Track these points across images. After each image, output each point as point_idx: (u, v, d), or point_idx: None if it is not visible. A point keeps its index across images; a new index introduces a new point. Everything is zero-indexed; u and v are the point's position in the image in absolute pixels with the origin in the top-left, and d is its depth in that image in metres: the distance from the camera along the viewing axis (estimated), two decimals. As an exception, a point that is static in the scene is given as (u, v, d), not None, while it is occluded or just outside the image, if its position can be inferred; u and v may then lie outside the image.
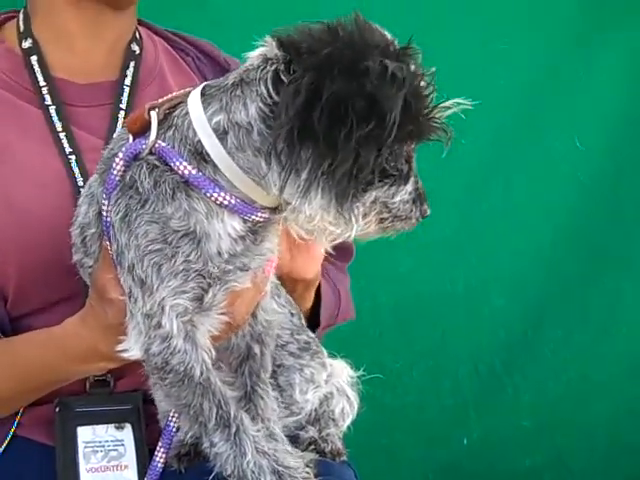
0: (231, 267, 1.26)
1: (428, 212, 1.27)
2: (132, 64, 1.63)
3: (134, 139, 1.25)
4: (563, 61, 2.70)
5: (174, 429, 1.38)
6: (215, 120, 1.19)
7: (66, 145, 1.54)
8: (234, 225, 1.23)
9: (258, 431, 1.30)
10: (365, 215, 1.20)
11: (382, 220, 1.23)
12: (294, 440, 1.49)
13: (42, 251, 1.48)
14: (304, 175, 1.13)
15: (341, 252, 1.76)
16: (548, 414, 2.87)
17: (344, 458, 1.55)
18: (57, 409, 1.50)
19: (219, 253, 1.24)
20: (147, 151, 1.23)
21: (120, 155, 1.25)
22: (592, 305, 2.84)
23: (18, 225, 1.48)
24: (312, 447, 1.51)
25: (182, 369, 1.25)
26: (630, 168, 2.79)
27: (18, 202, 1.49)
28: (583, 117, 2.73)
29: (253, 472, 1.27)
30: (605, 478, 2.93)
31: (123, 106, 1.60)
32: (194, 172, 1.21)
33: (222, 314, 1.29)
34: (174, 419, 1.37)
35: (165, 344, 1.25)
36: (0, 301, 1.50)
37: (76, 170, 1.53)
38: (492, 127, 2.68)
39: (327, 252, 1.81)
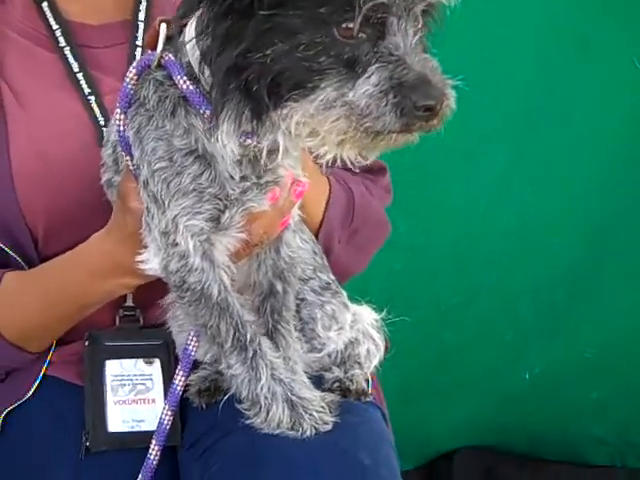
0: (245, 187, 1.26)
1: (423, 102, 1.05)
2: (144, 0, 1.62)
3: None
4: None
5: (193, 352, 1.38)
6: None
7: (85, 86, 1.56)
8: (232, 148, 1.21)
9: (277, 358, 1.30)
10: (323, 121, 1.08)
11: (350, 124, 1.07)
12: (318, 380, 1.48)
13: (69, 191, 1.50)
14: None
15: (370, 168, 1.74)
16: (612, 346, 2.77)
17: (369, 399, 1.53)
18: (86, 343, 1.53)
19: (230, 175, 1.24)
20: (155, 62, 1.24)
21: (133, 65, 1.27)
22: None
23: (44, 168, 1.50)
24: (337, 385, 1.50)
25: (199, 288, 1.27)
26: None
27: (42, 146, 1.51)
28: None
29: (266, 398, 1.28)
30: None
31: (139, 43, 1.60)
32: (191, 87, 1.20)
33: (240, 232, 1.30)
34: (193, 342, 1.38)
35: (182, 262, 1.26)
36: (31, 242, 1.53)
37: (97, 111, 1.55)
38: (546, 57, 2.56)
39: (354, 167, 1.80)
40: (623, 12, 2.53)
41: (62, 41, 1.58)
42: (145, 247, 1.31)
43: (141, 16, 1.61)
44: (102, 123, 1.54)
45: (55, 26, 1.59)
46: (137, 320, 1.58)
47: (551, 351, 2.81)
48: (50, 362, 1.57)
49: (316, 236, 1.59)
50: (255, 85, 1.08)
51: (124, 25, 1.62)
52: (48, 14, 1.60)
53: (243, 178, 1.26)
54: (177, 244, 1.25)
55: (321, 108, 1.07)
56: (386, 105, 1.05)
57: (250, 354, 1.28)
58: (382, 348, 1.61)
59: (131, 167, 1.30)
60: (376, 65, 1.06)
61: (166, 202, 1.24)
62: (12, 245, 1.53)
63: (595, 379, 2.82)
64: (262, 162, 1.25)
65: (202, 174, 1.24)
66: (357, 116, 1.06)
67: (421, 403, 2.80)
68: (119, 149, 1.34)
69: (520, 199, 2.71)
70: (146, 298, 1.57)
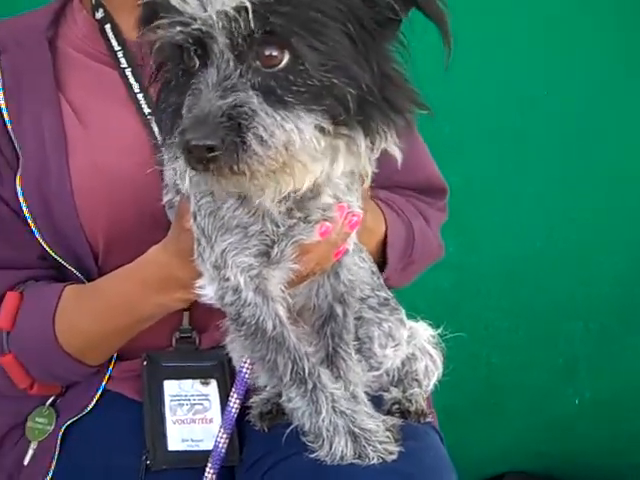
0: (292, 221, 1.24)
1: (177, 140, 1.04)
2: None
3: None
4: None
5: (246, 376, 1.38)
6: None
7: (144, 105, 1.57)
8: None
9: (338, 389, 1.29)
10: None
11: None
12: (377, 402, 1.47)
13: (128, 208, 1.52)
14: None
15: (430, 189, 1.77)
16: (665, 374, 2.72)
17: (429, 419, 1.52)
18: (145, 363, 1.55)
19: (267, 209, 1.21)
20: None
21: None
22: None
23: (105, 185, 1.52)
24: (396, 407, 1.49)
25: (254, 322, 1.26)
26: None
27: (103, 164, 1.53)
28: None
29: (328, 430, 1.26)
30: None
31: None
32: None
33: (294, 264, 1.28)
34: (246, 365, 1.37)
35: (236, 296, 1.26)
36: (91, 257, 1.55)
37: (156, 130, 1.55)
38: (583, 82, 2.54)
39: (416, 190, 1.79)
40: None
41: (124, 62, 1.60)
42: (200, 273, 1.31)
43: None
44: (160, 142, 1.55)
45: (117, 47, 1.61)
46: (193, 342, 1.59)
47: (602, 376, 2.77)
48: (110, 377, 1.59)
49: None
50: None
51: None
52: (110, 35, 1.62)
53: (289, 212, 1.24)
54: (228, 279, 1.25)
55: None
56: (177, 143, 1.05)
57: (309, 387, 1.27)
58: (440, 365, 1.60)
59: (183, 191, 1.31)
60: (187, 98, 1.07)
61: (213, 237, 1.24)
62: (72, 260, 1.55)
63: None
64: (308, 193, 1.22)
65: (240, 208, 1.22)
66: None
67: (468, 425, 2.76)
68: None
69: (573, 221, 2.69)
70: (203, 321, 1.58)
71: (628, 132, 2.57)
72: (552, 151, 2.59)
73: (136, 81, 1.59)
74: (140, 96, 1.58)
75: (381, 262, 1.66)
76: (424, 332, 1.61)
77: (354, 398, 1.34)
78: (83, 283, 1.55)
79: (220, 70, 1.03)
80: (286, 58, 1.02)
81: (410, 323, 1.59)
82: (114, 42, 1.61)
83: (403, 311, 1.59)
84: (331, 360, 1.38)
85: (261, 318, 1.26)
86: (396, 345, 1.53)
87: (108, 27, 1.62)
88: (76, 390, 1.59)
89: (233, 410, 1.39)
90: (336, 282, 1.39)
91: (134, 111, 1.57)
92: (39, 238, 1.52)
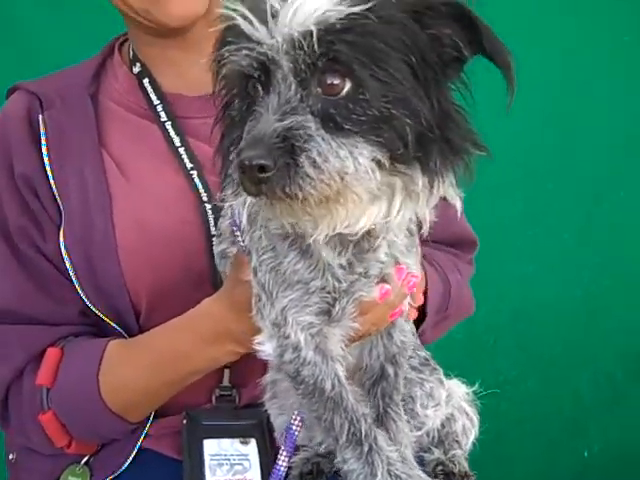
0: (353, 277, 1.23)
1: (236, 160, 1.02)
2: None
3: None
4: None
5: (296, 433, 1.37)
6: None
7: (186, 160, 1.57)
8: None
9: (394, 452, 1.27)
10: None
11: None
12: (419, 462, 1.45)
13: (172, 267, 1.51)
14: None
15: (462, 243, 1.77)
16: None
17: None
18: (184, 421, 1.52)
19: (329, 262, 1.20)
20: None
21: None
22: None
23: (148, 245, 1.51)
24: (440, 468, 1.49)
25: (312, 381, 1.25)
26: None
27: (146, 222, 1.52)
28: None
29: None
30: None
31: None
32: None
33: (354, 322, 1.28)
34: (296, 423, 1.36)
35: (295, 354, 1.25)
36: (132, 315, 1.54)
37: (199, 184, 1.55)
38: (609, 133, 2.59)
39: (447, 244, 1.79)
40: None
41: (163, 115, 1.60)
42: (258, 330, 1.30)
43: None
44: (204, 198, 1.55)
45: (156, 101, 1.61)
46: (233, 400, 1.57)
47: (611, 429, 2.78)
48: (147, 434, 1.56)
49: None
50: None
51: None
52: (149, 89, 1.62)
53: (350, 266, 1.23)
54: (288, 336, 1.24)
55: None
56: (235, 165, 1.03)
57: (366, 449, 1.25)
58: (476, 423, 1.61)
59: (241, 244, 1.31)
60: (248, 124, 1.07)
61: (274, 293, 1.23)
62: (113, 317, 1.54)
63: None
64: (366, 246, 1.21)
65: (301, 262, 1.21)
66: None
67: (478, 477, 2.74)
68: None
69: (586, 272, 2.71)
70: (242, 378, 1.57)
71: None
72: (568, 206, 2.62)
73: (176, 134, 1.59)
74: (181, 150, 1.58)
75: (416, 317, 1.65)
76: (459, 390, 1.61)
77: (404, 460, 1.32)
78: (125, 339, 1.54)
79: (281, 95, 1.02)
80: (347, 86, 1.01)
81: (447, 382, 1.59)
82: (153, 96, 1.61)
83: (441, 371, 1.59)
84: (381, 421, 1.37)
85: (320, 377, 1.25)
86: (436, 405, 1.53)
87: (146, 81, 1.62)
88: (112, 448, 1.57)
89: (282, 469, 1.37)
90: (389, 343, 1.39)
91: (176, 166, 1.57)
92: (81, 294, 1.51)
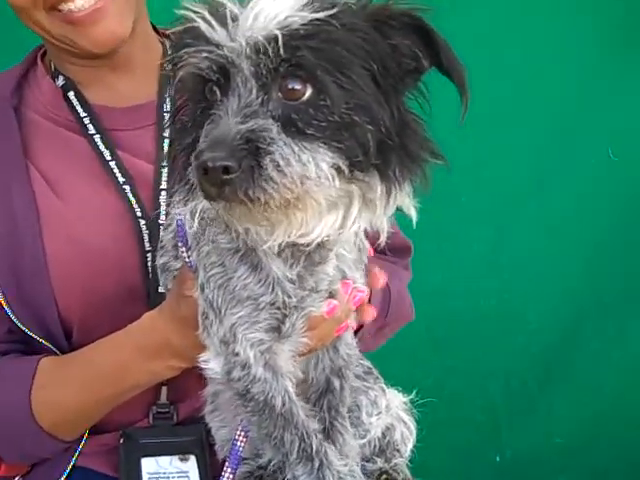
0: (304, 293, 1.22)
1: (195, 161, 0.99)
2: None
3: None
4: (596, 74, 2.67)
5: (241, 449, 1.34)
6: None
7: (118, 174, 1.51)
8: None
9: (344, 467, 1.26)
10: None
11: None
12: (362, 472, 1.43)
13: (105, 283, 1.46)
14: None
15: (398, 248, 1.76)
16: (582, 431, 2.83)
17: None
18: (121, 440, 1.48)
19: (280, 276, 1.18)
20: None
21: None
22: (629, 320, 2.80)
23: (80, 259, 1.46)
24: (384, 477, 1.49)
25: (262, 398, 1.22)
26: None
27: (78, 239, 1.47)
28: (616, 129, 2.69)
29: None
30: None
31: (167, 124, 1.55)
32: None
33: (303, 337, 1.26)
34: (241, 438, 1.33)
35: (245, 371, 1.22)
36: (62, 333, 1.48)
37: (132, 199, 1.51)
38: (525, 141, 2.66)
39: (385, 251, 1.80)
40: (597, 102, 2.66)
41: (91, 128, 1.54)
42: (202, 346, 1.26)
43: (166, 96, 1.58)
44: (138, 213, 1.50)
45: (83, 113, 1.55)
46: (171, 417, 1.53)
47: (523, 434, 2.84)
48: (81, 452, 1.51)
49: None
50: None
51: (149, 107, 1.59)
52: (74, 102, 1.56)
53: (300, 281, 1.21)
54: (237, 354, 1.21)
55: None
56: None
57: (317, 465, 1.24)
58: (414, 431, 1.61)
59: (186, 260, 1.27)
60: (205, 127, 1.05)
61: (222, 310, 1.20)
62: (45, 335, 1.48)
63: (564, 465, 2.85)
64: (314, 259, 1.20)
65: (251, 277, 1.19)
66: None
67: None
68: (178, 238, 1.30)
69: (499, 281, 2.78)
70: (180, 393, 1.53)
71: (558, 203, 2.69)
72: (484, 213, 2.67)
73: (106, 148, 1.53)
74: (112, 164, 1.52)
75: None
76: (395, 399, 1.61)
77: (353, 474, 1.31)
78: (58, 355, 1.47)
79: (242, 98, 1.00)
80: (308, 92, 1.00)
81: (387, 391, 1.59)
82: (79, 108, 1.55)
83: (382, 380, 1.59)
84: (327, 434, 1.36)
85: (270, 395, 1.22)
86: (379, 413, 1.53)
87: (72, 94, 1.56)
88: (44, 467, 1.51)
89: None
90: (335, 356, 1.38)
91: (107, 180, 1.51)
92: (9, 312, 1.44)
